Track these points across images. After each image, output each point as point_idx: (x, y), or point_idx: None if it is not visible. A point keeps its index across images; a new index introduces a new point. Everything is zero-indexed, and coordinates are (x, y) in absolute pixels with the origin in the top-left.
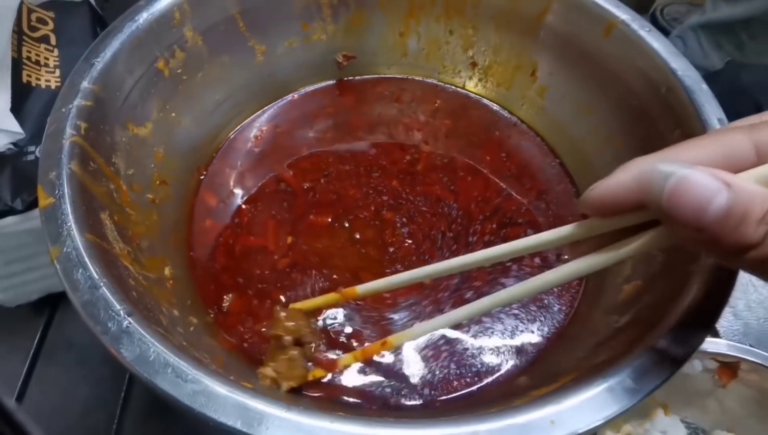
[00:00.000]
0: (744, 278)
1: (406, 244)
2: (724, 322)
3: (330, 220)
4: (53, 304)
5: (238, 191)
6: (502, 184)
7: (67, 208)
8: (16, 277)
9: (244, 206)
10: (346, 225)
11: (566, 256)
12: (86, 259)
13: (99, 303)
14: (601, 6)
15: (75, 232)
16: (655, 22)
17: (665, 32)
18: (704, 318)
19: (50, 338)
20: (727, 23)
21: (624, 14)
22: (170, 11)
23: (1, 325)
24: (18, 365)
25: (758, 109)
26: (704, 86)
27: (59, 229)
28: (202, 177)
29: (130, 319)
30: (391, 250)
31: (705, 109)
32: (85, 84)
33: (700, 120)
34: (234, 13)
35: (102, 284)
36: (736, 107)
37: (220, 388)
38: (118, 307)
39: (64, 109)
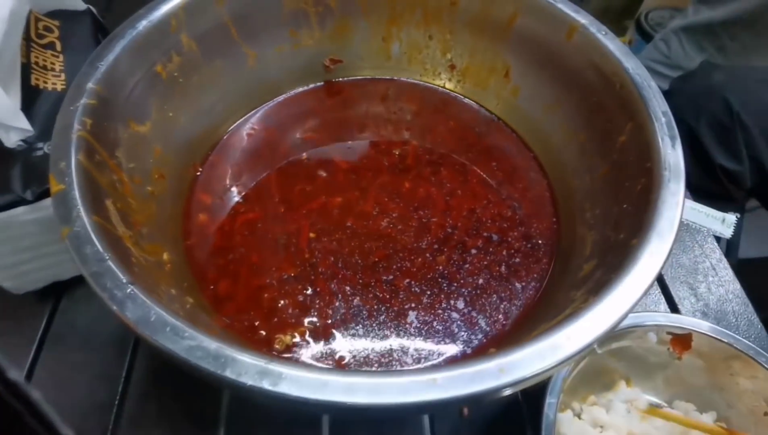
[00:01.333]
0: (705, 263)
1: (396, 235)
2: (687, 303)
3: (318, 212)
4: (58, 291)
5: (231, 187)
6: (483, 174)
7: (76, 193)
8: (24, 265)
9: (236, 200)
10: (334, 215)
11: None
12: (93, 237)
13: (106, 274)
14: (563, 12)
15: (83, 214)
16: (639, 27)
17: (649, 36)
18: (634, 290)
19: (56, 323)
20: (708, 26)
21: (583, 19)
22: (167, 19)
23: (9, 311)
24: (25, 349)
25: (728, 105)
26: (652, 83)
27: (69, 212)
28: (198, 173)
29: (132, 287)
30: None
31: (652, 104)
32: (90, 85)
33: (647, 113)
34: (226, 20)
35: (107, 258)
36: (708, 105)
37: (211, 344)
38: (122, 277)
39: (71, 107)
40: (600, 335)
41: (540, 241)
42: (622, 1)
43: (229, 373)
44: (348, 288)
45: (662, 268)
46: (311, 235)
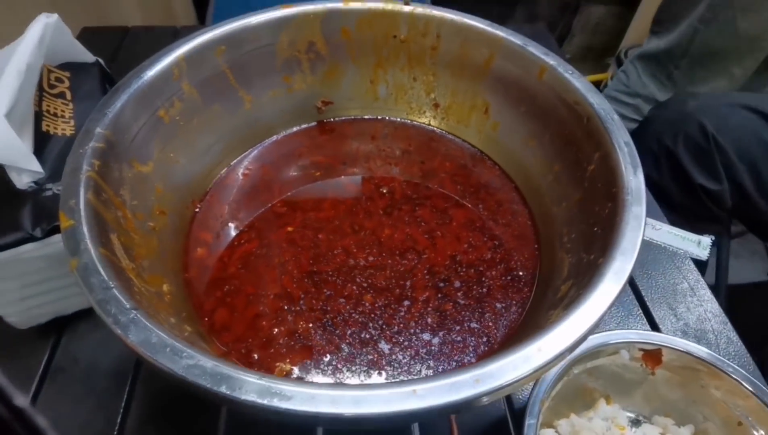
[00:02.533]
0: (683, 284)
1: (383, 268)
2: (667, 323)
3: (306, 244)
4: (60, 326)
5: (228, 223)
6: (470, 206)
7: (84, 228)
8: (29, 300)
9: (232, 236)
10: (322, 248)
11: (521, 272)
12: (99, 268)
13: (111, 301)
14: (534, 54)
15: (90, 247)
16: (620, 64)
17: None
18: (600, 304)
19: (57, 357)
20: (657, 55)
21: (552, 60)
22: (170, 69)
23: (12, 345)
24: (27, 381)
25: (703, 129)
26: (615, 116)
27: (78, 245)
28: (196, 209)
29: (135, 312)
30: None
31: (615, 135)
32: (98, 130)
33: (612, 143)
34: (224, 69)
35: (112, 286)
36: (685, 129)
37: (207, 362)
38: (125, 303)
39: (81, 150)
40: (569, 346)
41: (521, 273)
42: (602, 40)
43: (224, 389)
44: (343, 314)
45: (626, 282)
46: (305, 267)
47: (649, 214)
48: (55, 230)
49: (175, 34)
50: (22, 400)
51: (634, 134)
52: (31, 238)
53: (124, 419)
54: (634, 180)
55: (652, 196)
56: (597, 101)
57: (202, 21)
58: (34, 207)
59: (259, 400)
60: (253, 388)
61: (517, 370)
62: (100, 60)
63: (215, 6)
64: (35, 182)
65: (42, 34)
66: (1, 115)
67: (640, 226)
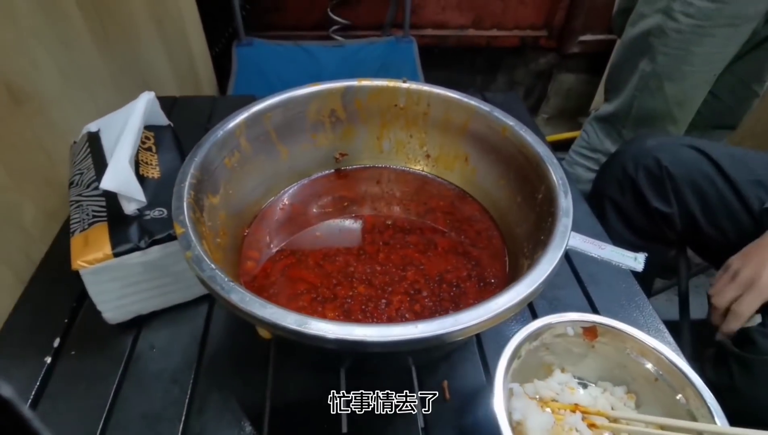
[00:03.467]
0: (622, 288)
1: (383, 278)
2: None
3: (330, 264)
4: (139, 323)
5: (269, 245)
6: (452, 234)
7: (191, 234)
8: (124, 299)
9: (272, 253)
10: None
11: (493, 280)
12: (205, 257)
13: (216, 277)
14: (498, 117)
15: (197, 245)
16: None
17: None
18: (534, 282)
19: (139, 344)
20: (607, 117)
21: (511, 121)
22: (234, 129)
23: (106, 335)
24: (117, 361)
25: (658, 162)
26: (554, 160)
27: (189, 243)
28: (245, 234)
29: (233, 283)
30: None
31: (554, 173)
32: (191, 171)
33: (552, 179)
34: (270, 129)
35: (215, 268)
36: (644, 161)
37: (246, 294)
38: (225, 277)
39: (182, 184)
40: (508, 307)
41: (493, 280)
42: (574, 103)
43: (290, 324)
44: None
45: (555, 267)
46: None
47: (599, 238)
48: (154, 243)
49: (214, 101)
50: (28, 412)
51: (604, 167)
52: (137, 248)
53: (193, 390)
54: (565, 202)
55: (617, 219)
56: (542, 150)
57: (223, 91)
58: (139, 226)
59: (298, 328)
60: (295, 321)
61: (481, 317)
62: (171, 123)
63: (236, 80)
64: (138, 209)
65: (146, 105)
66: (126, 161)
67: (567, 231)
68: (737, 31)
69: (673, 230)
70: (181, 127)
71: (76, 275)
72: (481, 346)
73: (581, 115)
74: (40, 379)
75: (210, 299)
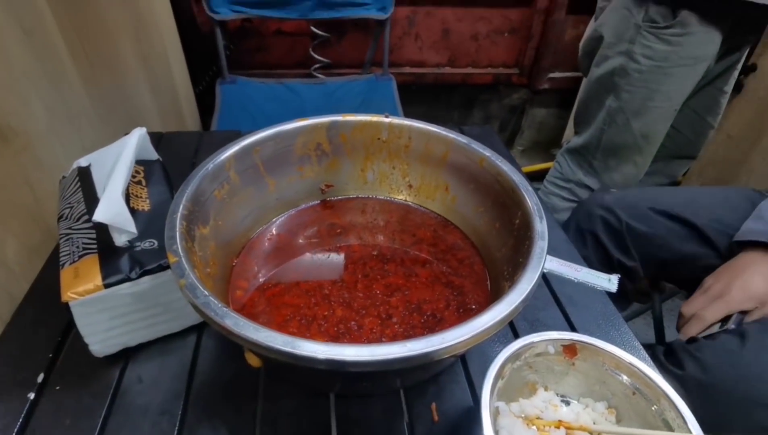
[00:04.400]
0: (598, 308)
1: (367, 304)
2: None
3: (316, 290)
4: (126, 355)
5: (257, 275)
6: (435, 263)
7: (184, 262)
8: (111, 331)
9: (259, 283)
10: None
11: (474, 305)
12: (198, 285)
13: (210, 303)
14: (475, 149)
15: (190, 273)
16: None
17: None
18: (511, 304)
19: (126, 376)
20: (578, 149)
21: (487, 152)
22: (224, 163)
23: (93, 368)
24: (105, 394)
25: (617, 217)
26: (530, 188)
27: (183, 272)
28: (234, 264)
29: (226, 308)
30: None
31: (529, 199)
32: (183, 202)
33: (527, 205)
34: (258, 163)
35: (209, 295)
36: (604, 216)
37: (240, 319)
38: (219, 304)
39: (174, 215)
40: (491, 325)
41: (474, 306)
42: (547, 136)
43: (281, 346)
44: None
45: (534, 286)
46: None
47: (576, 261)
48: (145, 273)
49: (200, 136)
50: None
51: (569, 218)
52: (128, 279)
53: (182, 421)
54: (540, 226)
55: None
56: (517, 178)
57: (206, 127)
58: (129, 257)
59: (289, 350)
60: (284, 342)
61: (464, 336)
62: (160, 158)
63: (219, 116)
64: (129, 241)
65: (138, 140)
66: (118, 193)
67: (543, 253)
68: (693, 70)
69: (638, 281)
70: (168, 161)
71: (62, 309)
72: (467, 367)
73: (554, 146)
74: (22, 415)
75: (198, 330)
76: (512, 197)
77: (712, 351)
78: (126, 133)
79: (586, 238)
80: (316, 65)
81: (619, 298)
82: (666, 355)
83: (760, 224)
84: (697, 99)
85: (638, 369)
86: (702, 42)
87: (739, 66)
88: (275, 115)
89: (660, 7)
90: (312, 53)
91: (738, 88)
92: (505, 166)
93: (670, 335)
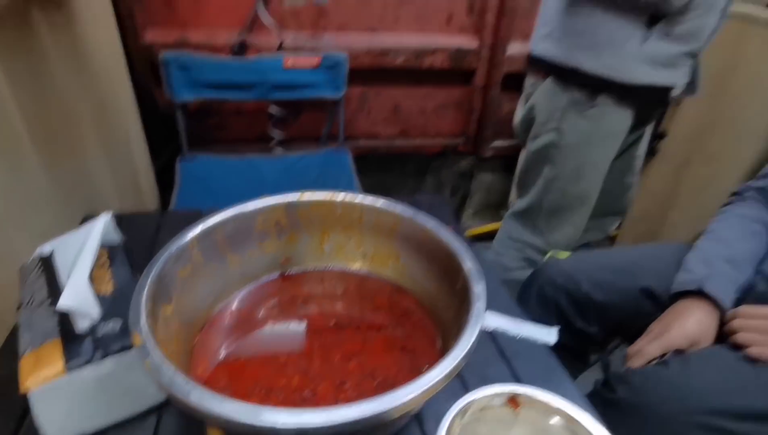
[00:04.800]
0: (540, 362)
1: (325, 373)
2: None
3: (276, 363)
4: None
5: (219, 349)
6: (388, 322)
7: (150, 342)
8: (69, 418)
9: (221, 357)
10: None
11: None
12: (163, 364)
13: (176, 381)
14: (419, 221)
15: (155, 352)
16: None
17: None
18: (452, 363)
19: None
20: (521, 212)
21: (431, 224)
22: (187, 244)
23: None
24: None
25: (577, 284)
26: (469, 253)
27: (148, 353)
28: (196, 341)
29: (191, 386)
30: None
31: (467, 262)
32: (148, 282)
33: (466, 270)
34: (220, 241)
35: (173, 373)
36: (565, 285)
37: (207, 394)
38: (184, 380)
39: (139, 296)
40: (438, 380)
41: (426, 366)
42: (495, 198)
43: (243, 419)
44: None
45: (474, 342)
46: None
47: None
48: (107, 355)
49: (160, 217)
50: None
51: (525, 285)
52: (91, 361)
53: None
54: (478, 286)
55: None
56: (458, 246)
57: (165, 204)
58: (92, 341)
59: (249, 422)
60: (246, 411)
61: (408, 396)
62: (124, 240)
63: (179, 193)
64: (90, 326)
65: (104, 226)
66: (84, 279)
67: (480, 314)
68: (613, 141)
69: (592, 343)
70: (130, 242)
71: (16, 400)
72: (422, 426)
73: (502, 208)
74: None
75: (158, 411)
76: (453, 263)
77: (640, 376)
78: (86, 215)
79: (550, 308)
80: (275, 140)
81: (579, 358)
82: (603, 385)
83: (688, 275)
84: (617, 162)
85: (568, 412)
86: (618, 119)
87: (649, 133)
88: (235, 190)
89: (582, 91)
90: (271, 129)
91: (653, 152)
92: (447, 235)
93: None
